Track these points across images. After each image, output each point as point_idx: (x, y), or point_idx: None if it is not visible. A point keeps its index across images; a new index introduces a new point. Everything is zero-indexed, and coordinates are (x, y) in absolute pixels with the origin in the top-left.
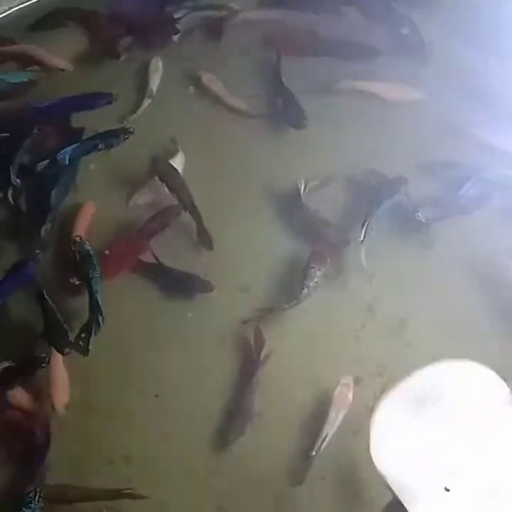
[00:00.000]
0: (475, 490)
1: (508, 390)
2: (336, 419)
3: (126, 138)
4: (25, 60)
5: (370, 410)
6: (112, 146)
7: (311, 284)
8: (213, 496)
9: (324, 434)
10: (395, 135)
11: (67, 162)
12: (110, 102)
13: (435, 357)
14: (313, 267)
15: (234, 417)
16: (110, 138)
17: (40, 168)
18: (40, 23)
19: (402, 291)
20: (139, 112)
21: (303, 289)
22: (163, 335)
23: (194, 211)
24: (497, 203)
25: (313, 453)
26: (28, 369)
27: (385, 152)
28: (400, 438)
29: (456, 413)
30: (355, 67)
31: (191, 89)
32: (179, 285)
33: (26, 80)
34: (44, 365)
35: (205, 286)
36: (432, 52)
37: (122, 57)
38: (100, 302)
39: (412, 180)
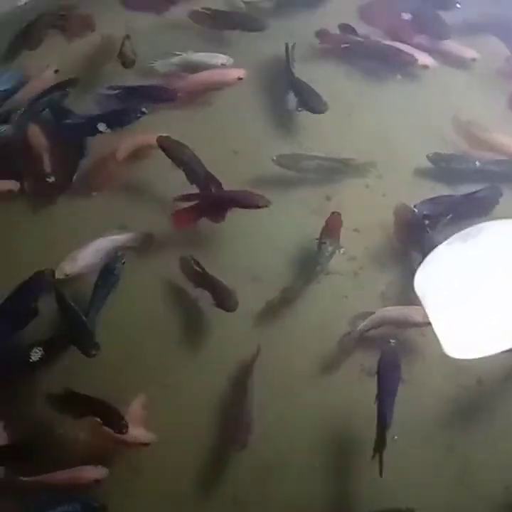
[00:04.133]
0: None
1: None
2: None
3: (139, 117)
4: None
5: None
6: (122, 124)
7: (323, 261)
8: (226, 486)
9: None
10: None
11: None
12: (173, 99)
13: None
14: (325, 242)
15: (233, 429)
16: (122, 116)
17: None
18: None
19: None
20: None
21: (316, 265)
22: (173, 327)
23: (212, 181)
24: None
25: None
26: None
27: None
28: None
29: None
30: None
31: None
32: (211, 294)
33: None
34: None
35: (231, 304)
36: None
37: None
38: (88, 323)
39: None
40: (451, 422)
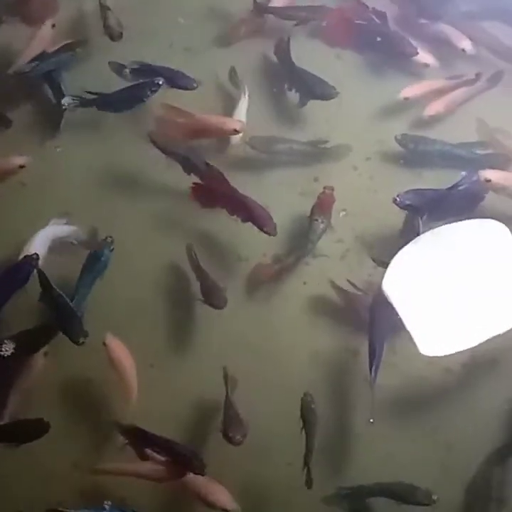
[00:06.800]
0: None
1: None
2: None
3: (154, 91)
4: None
5: None
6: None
7: (315, 238)
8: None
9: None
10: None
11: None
12: (191, 88)
13: None
14: (317, 220)
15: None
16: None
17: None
18: None
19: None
20: None
21: (308, 243)
22: (162, 310)
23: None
24: None
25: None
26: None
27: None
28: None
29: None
30: None
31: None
32: (200, 289)
33: None
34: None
35: (219, 302)
36: None
37: None
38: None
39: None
40: (435, 405)
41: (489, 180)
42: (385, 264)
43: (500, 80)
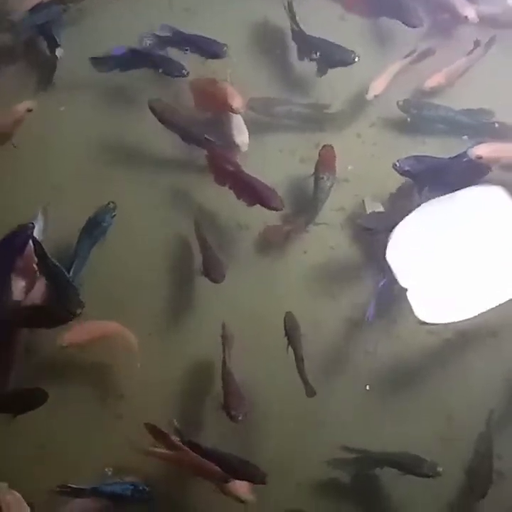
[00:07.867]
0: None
1: None
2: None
3: (177, 76)
4: None
5: None
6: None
7: (323, 196)
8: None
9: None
10: None
11: None
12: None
13: None
14: (323, 177)
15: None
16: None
17: None
18: None
19: None
20: None
21: (317, 203)
22: (162, 279)
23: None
24: None
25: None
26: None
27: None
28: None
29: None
30: None
31: None
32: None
33: None
34: None
35: (217, 276)
36: None
37: None
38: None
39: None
40: (434, 375)
41: (480, 157)
42: (369, 230)
43: (493, 45)
